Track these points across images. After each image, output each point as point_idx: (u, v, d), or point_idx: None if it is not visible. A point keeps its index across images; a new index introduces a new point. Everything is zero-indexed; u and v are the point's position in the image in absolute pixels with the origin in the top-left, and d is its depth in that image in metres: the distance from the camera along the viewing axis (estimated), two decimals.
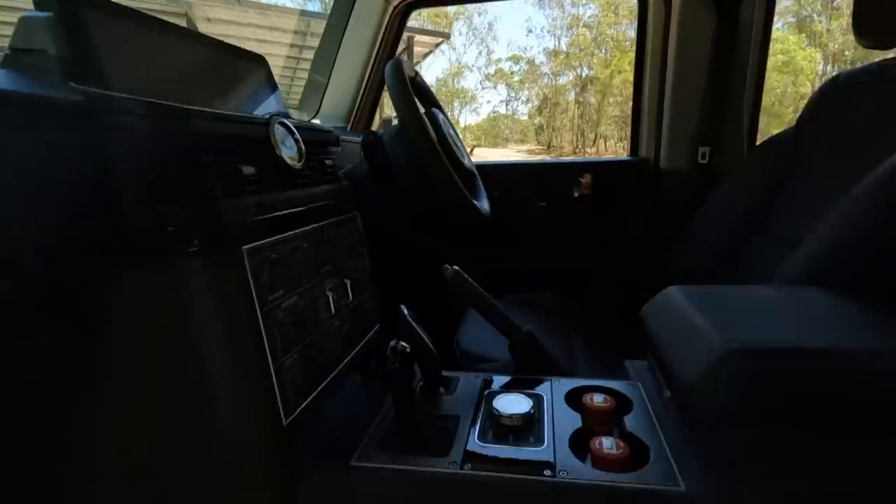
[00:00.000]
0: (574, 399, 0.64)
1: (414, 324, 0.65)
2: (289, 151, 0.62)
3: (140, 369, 0.47)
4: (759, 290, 0.63)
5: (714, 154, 1.20)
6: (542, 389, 0.67)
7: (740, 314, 0.53)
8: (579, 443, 0.55)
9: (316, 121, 1.38)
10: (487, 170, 1.44)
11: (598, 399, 0.61)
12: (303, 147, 0.65)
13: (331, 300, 0.63)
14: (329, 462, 0.53)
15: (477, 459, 0.52)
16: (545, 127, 16.33)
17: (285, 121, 0.63)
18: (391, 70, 0.86)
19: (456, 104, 16.73)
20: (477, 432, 0.57)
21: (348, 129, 1.43)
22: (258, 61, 0.78)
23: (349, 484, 0.52)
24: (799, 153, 1.01)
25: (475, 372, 0.72)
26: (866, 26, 0.85)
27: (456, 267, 0.76)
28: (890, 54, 0.88)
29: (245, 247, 0.49)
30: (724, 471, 0.47)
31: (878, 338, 0.44)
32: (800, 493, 0.45)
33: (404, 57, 1.19)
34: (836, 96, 0.96)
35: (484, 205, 1.06)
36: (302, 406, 0.55)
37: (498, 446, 0.55)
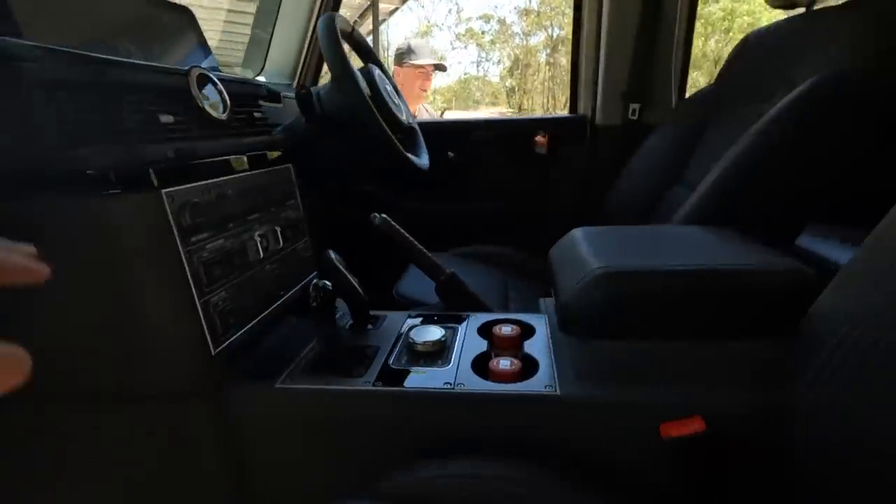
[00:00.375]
0: (486, 330, 0.71)
1: (340, 266, 0.70)
2: (212, 103, 0.65)
3: (72, 301, 0.51)
4: (648, 229, 0.70)
5: (644, 110, 1.26)
6: (458, 321, 0.74)
7: (620, 247, 0.60)
8: (482, 364, 0.62)
9: (261, 78, 1.38)
10: (436, 128, 1.47)
11: (505, 329, 0.68)
12: (227, 99, 0.67)
13: (259, 245, 0.68)
14: (256, 385, 0.59)
15: (389, 378, 0.59)
16: (516, 89, 16.15)
17: (207, 72, 0.65)
18: (322, 24, 0.88)
19: None
20: (393, 358, 0.64)
21: (294, 85, 1.43)
22: (184, 13, 0.79)
23: (273, 404, 0.58)
24: (716, 107, 1.08)
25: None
26: None
27: (384, 215, 0.81)
28: (795, 13, 0.95)
29: (165, 190, 0.53)
30: (591, 376, 0.55)
31: (720, 261, 0.52)
32: (640, 392, 0.53)
33: (368, 14, 1.20)
34: (747, 53, 1.03)
35: (422, 160, 1.10)
36: (232, 338, 0.60)
37: (409, 368, 0.62)
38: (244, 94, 0.75)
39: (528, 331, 0.71)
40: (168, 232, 0.53)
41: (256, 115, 0.77)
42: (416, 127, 1.17)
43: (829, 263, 0.60)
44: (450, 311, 0.81)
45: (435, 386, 0.57)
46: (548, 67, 15.31)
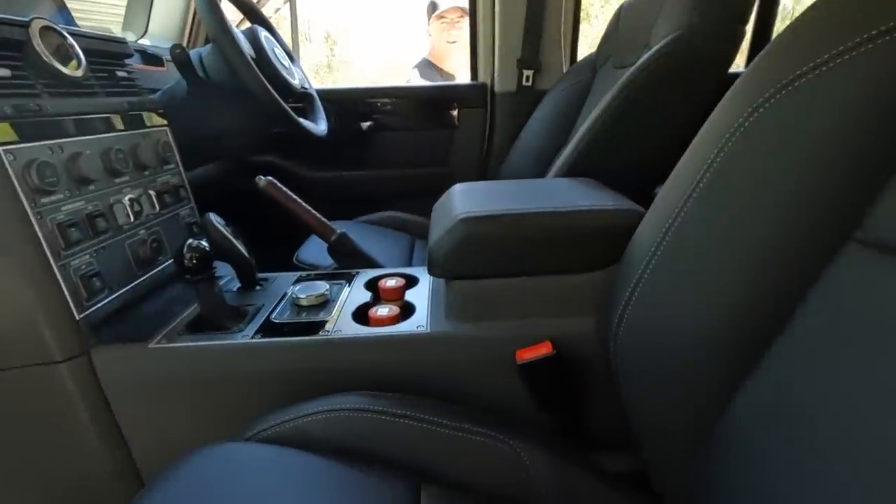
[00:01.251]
0: (373, 284, 0.74)
1: (221, 228, 0.70)
2: (62, 58, 0.61)
3: None
4: (521, 182, 0.75)
5: (537, 76, 1.33)
6: (347, 279, 0.76)
7: (488, 198, 0.65)
8: (364, 313, 0.65)
9: (144, 41, 1.29)
10: (341, 96, 1.46)
11: (390, 282, 0.71)
12: (80, 55, 0.64)
13: (129, 209, 0.66)
14: (129, 348, 0.59)
15: (269, 331, 0.61)
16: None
17: (53, 24, 0.61)
18: None
19: None
20: (276, 313, 0.66)
21: None
22: None
23: (147, 365, 0.58)
24: (596, 72, 1.16)
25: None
26: None
27: (269, 178, 0.81)
28: None
29: (3, 147, 0.50)
30: (456, 314, 0.60)
31: (561, 204, 0.58)
32: (498, 326, 0.59)
33: None
34: (621, 22, 1.10)
35: (320, 126, 1.09)
36: (101, 303, 0.59)
37: (290, 321, 0.63)
38: (105, 52, 0.71)
39: (413, 281, 0.75)
40: (11, 191, 0.50)
41: (120, 73, 0.73)
42: (313, 93, 1.16)
43: None
44: (342, 269, 0.83)
45: (311, 336, 0.59)
46: None
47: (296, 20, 1.94)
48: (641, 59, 0.80)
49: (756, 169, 0.39)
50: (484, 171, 1.46)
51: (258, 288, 0.75)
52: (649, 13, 0.96)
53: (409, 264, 1.11)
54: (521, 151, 1.25)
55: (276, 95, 0.90)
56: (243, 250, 0.72)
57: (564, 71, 1.33)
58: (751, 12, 0.83)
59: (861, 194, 0.35)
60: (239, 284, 0.75)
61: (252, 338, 0.59)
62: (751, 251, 0.39)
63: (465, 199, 0.63)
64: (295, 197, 0.82)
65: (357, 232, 0.93)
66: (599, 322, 0.55)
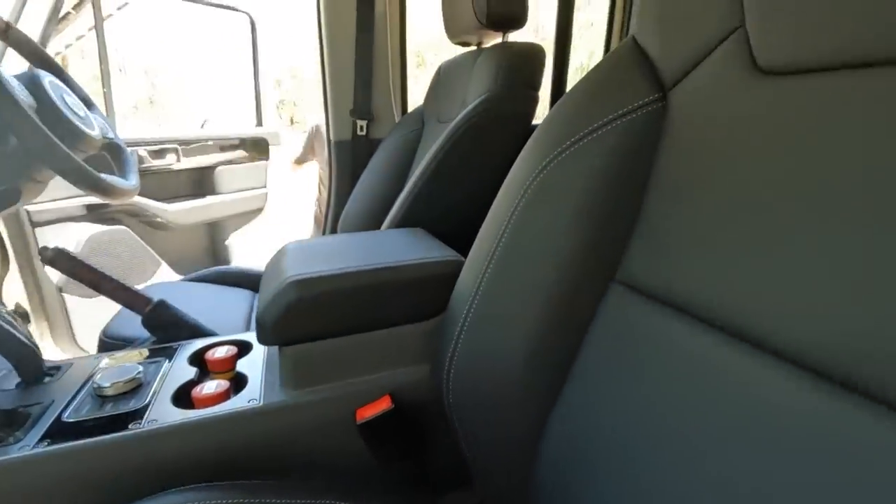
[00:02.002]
0: (199, 356, 0.67)
1: None
2: None
3: None
4: (352, 235, 0.77)
5: (371, 125, 1.38)
6: (168, 354, 0.68)
7: (319, 256, 0.64)
8: (187, 393, 0.59)
9: None
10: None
11: (219, 352, 0.65)
12: None
13: None
14: None
15: (58, 435, 0.51)
16: (285, 101, 15.64)
17: None
18: None
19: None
20: (70, 410, 0.55)
21: None
22: None
23: None
24: (424, 124, 1.24)
25: None
26: (450, 30, 1.11)
27: (58, 246, 0.70)
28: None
29: None
30: (291, 381, 0.58)
31: (389, 258, 0.60)
32: (335, 387, 0.58)
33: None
34: (441, 79, 1.21)
35: (129, 181, 0.97)
36: None
37: (91, 418, 0.54)
38: None
39: (246, 349, 0.70)
40: None
41: None
42: (120, 142, 1.03)
43: None
44: (162, 343, 0.74)
45: (119, 432, 0.51)
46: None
47: (104, 48, 1.72)
48: (459, 116, 0.89)
49: (539, 222, 0.46)
50: (326, 220, 1.45)
51: (47, 380, 0.62)
52: (463, 74, 1.07)
53: (248, 327, 1.03)
54: (359, 199, 1.27)
55: (65, 148, 0.78)
56: (20, 335, 0.60)
57: (397, 121, 1.40)
58: (540, 80, 0.99)
59: (616, 243, 0.44)
60: (18, 380, 0.62)
61: (34, 447, 0.49)
62: (541, 292, 0.45)
63: (295, 260, 0.62)
64: (91, 265, 0.71)
65: (182, 294, 0.85)
66: (433, 369, 0.58)
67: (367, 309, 0.58)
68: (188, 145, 1.70)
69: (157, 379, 0.62)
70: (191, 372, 0.64)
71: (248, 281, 1.25)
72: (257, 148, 1.92)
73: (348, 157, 1.38)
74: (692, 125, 0.39)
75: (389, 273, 0.58)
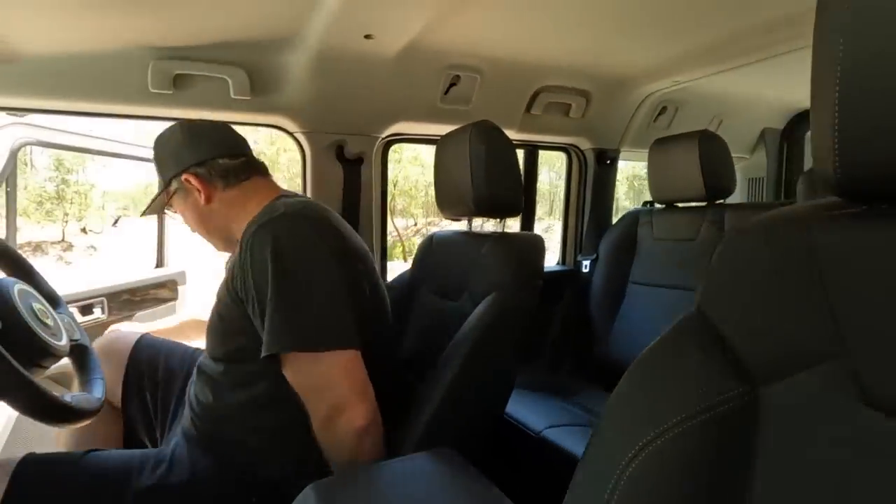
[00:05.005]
0: None
1: None
2: None
3: None
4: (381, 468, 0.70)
5: None
6: None
7: None
8: None
9: None
10: None
11: None
12: None
13: None
14: None
15: None
16: None
17: None
18: None
19: None
20: None
21: None
22: None
23: None
24: (413, 289, 1.23)
25: None
26: (445, 208, 1.15)
27: None
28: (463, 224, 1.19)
29: None
30: None
31: None
32: None
33: None
34: (434, 249, 1.23)
35: (93, 393, 0.83)
36: None
37: None
38: None
39: None
40: None
41: None
42: (87, 342, 0.91)
43: None
44: None
45: None
46: None
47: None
48: (480, 308, 0.89)
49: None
50: None
51: None
52: (462, 255, 1.08)
53: None
54: None
55: (27, 374, 0.66)
56: None
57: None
58: (542, 268, 1.04)
59: None
60: None
61: None
62: None
63: None
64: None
65: None
66: None
67: None
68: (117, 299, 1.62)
69: None
70: None
71: None
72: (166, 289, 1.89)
73: None
74: (791, 438, 0.37)
75: None
